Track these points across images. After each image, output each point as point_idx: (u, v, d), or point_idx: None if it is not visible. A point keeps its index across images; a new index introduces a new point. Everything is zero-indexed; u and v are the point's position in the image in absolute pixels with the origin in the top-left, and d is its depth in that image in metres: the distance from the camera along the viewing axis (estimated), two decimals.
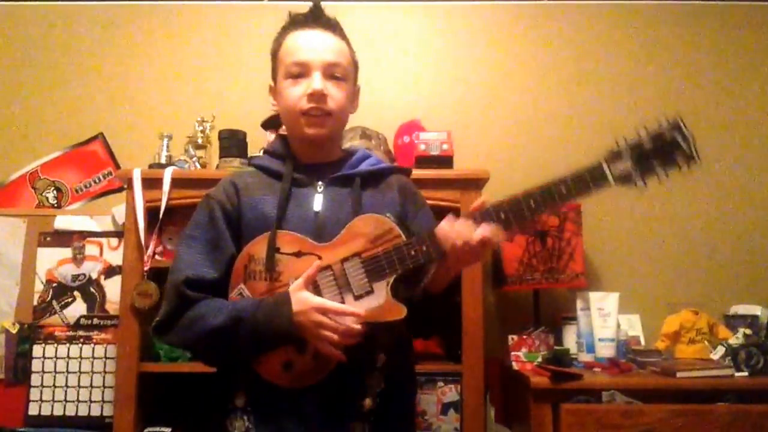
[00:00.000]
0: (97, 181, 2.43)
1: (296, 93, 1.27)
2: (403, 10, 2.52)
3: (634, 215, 2.40)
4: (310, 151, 1.33)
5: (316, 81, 1.26)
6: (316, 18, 1.32)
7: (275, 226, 1.23)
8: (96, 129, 2.44)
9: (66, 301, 2.29)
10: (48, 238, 2.33)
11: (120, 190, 2.35)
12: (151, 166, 2.14)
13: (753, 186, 2.42)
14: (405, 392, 1.33)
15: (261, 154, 1.49)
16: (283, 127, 1.38)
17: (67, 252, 2.32)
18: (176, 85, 2.45)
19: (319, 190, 1.29)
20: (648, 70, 2.46)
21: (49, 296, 2.29)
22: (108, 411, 2.18)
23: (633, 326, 2.22)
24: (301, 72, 1.27)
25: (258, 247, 1.23)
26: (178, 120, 2.35)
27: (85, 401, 2.23)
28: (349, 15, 2.49)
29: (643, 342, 2.20)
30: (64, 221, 2.34)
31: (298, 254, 1.21)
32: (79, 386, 2.23)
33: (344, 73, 1.31)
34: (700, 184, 2.41)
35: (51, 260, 2.31)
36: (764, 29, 2.48)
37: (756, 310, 2.13)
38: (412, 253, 1.17)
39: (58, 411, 2.22)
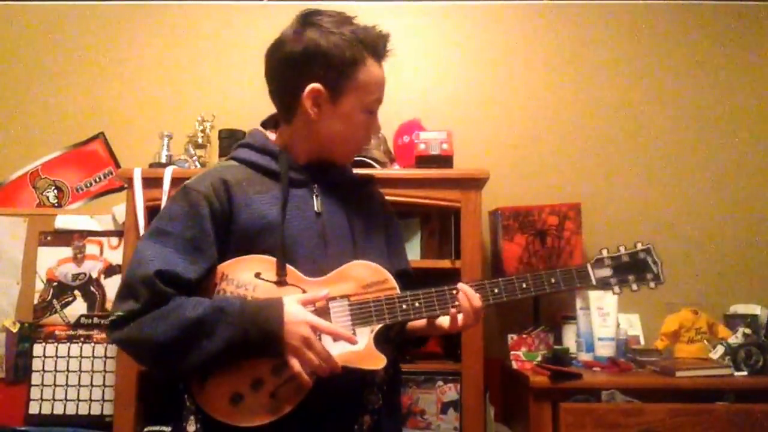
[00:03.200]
0: (98, 180, 2.43)
1: (365, 127, 1.25)
2: (403, 9, 2.51)
3: (634, 214, 2.40)
4: (312, 154, 1.24)
5: (378, 121, 1.28)
6: (388, 51, 1.29)
7: (281, 229, 1.14)
8: (96, 128, 2.45)
9: (66, 300, 2.29)
10: (48, 238, 2.33)
11: (120, 189, 2.36)
12: (151, 166, 2.14)
13: (753, 185, 2.41)
14: (396, 404, 1.33)
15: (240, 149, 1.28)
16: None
17: (67, 251, 2.32)
18: (176, 84, 2.45)
19: (316, 191, 1.22)
20: (648, 70, 2.46)
21: (50, 295, 2.30)
22: (108, 410, 2.18)
23: (632, 325, 2.22)
24: (376, 108, 1.25)
25: (234, 268, 1.12)
26: (178, 119, 2.35)
27: (86, 400, 2.23)
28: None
29: (642, 341, 2.20)
30: (64, 220, 2.34)
31: (279, 283, 1.11)
32: (80, 385, 2.24)
33: None
34: (699, 183, 2.41)
35: (51, 259, 2.31)
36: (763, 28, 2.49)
37: (755, 309, 2.13)
38: (404, 307, 1.15)
39: (58, 410, 2.23)
